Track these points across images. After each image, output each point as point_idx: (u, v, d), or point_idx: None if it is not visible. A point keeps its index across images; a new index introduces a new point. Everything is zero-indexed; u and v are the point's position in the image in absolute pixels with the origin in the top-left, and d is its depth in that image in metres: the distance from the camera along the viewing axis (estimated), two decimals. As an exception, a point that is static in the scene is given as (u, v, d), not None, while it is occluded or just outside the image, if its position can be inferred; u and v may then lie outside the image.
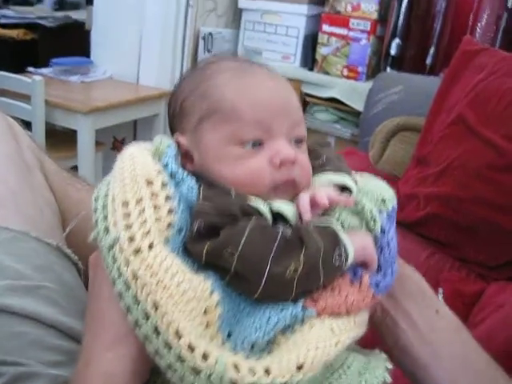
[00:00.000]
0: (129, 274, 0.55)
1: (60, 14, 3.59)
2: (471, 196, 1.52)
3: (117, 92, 2.84)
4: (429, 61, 2.67)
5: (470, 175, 1.54)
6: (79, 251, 0.85)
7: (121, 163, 0.63)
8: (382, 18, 2.72)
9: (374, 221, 0.66)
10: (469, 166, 1.55)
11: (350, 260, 0.61)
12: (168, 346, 0.53)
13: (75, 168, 2.53)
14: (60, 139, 2.65)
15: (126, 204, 0.58)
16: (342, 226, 0.65)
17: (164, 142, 0.66)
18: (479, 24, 2.53)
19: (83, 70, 2.94)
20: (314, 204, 0.63)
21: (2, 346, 0.68)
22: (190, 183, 0.61)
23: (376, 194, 0.69)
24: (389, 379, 0.64)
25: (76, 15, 3.56)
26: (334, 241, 0.60)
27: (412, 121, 2.01)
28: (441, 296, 1.28)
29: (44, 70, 2.87)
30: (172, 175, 0.62)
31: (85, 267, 0.83)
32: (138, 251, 0.55)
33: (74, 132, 2.54)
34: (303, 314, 0.59)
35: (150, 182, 0.60)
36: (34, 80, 2.40)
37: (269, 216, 0.62)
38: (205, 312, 0.55)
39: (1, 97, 2.54)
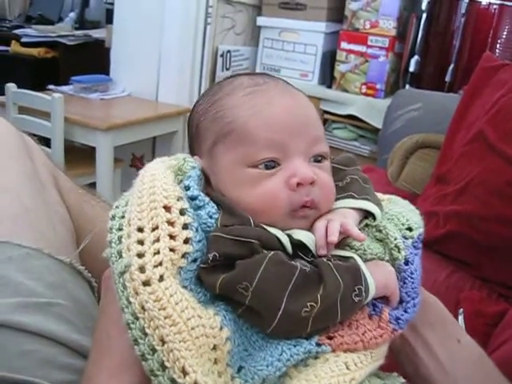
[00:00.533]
0: (137, 305, 0.53)
1: (80, 32, 3.64)
2: (492, 214, 1.49)
3: (136, 109, 2.86)
4: (448, 78, 2.66)
5: (491, 193, 1.51)
6: (93, 268, 0.84)
7: (141, 184, 0.61)
8: (401, 35, 2.72)
9: (398, 250, 0.64)
10: (489, 183, 1.53)
11: (371, 296, 0.59)
12: (174, 383, 0.52)
13: (93, 185, 2.55)
14: (79, 156, 2.67)
15: (141, 230, 0.57)
16: (365, 254, 0.63)
17: (188, 162, 0.64)
18: (499, 40, 2.51)
19: (102, 87, 2.98)
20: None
21: (13, 364, 0.67)
22: (210, 210, 0.60)
23: (402, 219, 0.67)
24: None
25: (96, 34, 3.61)
26: (355, 276, 0.58)
27: (431, 138, 1.99)
28: (461, 316, 1.25)
29: (64, 88, 2.90)
30: (193, 199, 0.60)
31: (98, 284, 0.82)
32: (147, 282, 0.54)
33: (93, 149, 2.56)
34: (317, 350, 0.57)
35: (167, 209, 0.58)
36: (54, 97, 2.42)
37: (289, 246, 0.60)
38: (214, 348, 0.54)
39: (22, 114, 2.57)
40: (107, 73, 3.10)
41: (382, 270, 0.61)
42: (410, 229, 0.66)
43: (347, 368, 0.57)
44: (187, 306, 0.54)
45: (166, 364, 0.52)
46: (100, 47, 3.33)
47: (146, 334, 0.53)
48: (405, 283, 0.63)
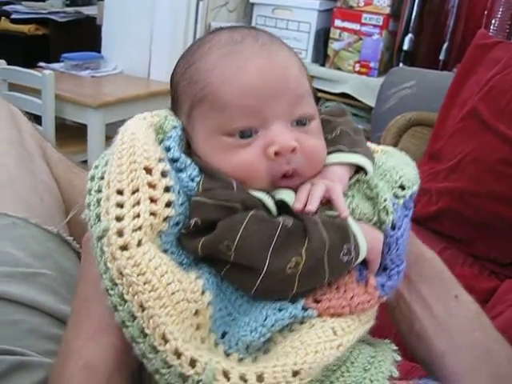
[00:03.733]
0: (115, 270, 0.51)
1: (71, 9, 3.59)
2: (484, 191, 1.49)
3: (127, 87, 2.84)
4: (442, 56, 2.64)
5: (483, 170, 1.50)
6: (81, 239, 0.83)
7: (120, 143, 0.58)
8: (395, 13, 2.70)
9: (387, 212, 0.61)
10: (482, 160, 1.52)
11: (362, 257, 0.57)
12: (154, 350, 0.51)
13: (85, 162, 2.53)
14: (70, 133, 2.65)
15: (120, 192, 0.55)
16: (353, 213, 0.60)
17: (170, 121, 0.61)
18: (493, 20, 2.49)
19: (94, 64, 2.95)
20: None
21: (-1, 333, 0.67)
22: (191, 172, 0.57)
23: (394, 176, 0.64)
24: (396, 373, 0.61)
25: (87, 11, 3.57)
26: (344, 234, 0.55)
27: (424, 116, 1.98)
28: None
29: (55, 65, 2.87)
30: (174, 161, 0.58)
31: (83, 254, 0.82)
32: (125, 247, 0.52)
33: (84, 126, 2.54)
34: (303, 314, 0.56)
35: (148, 171, 0.56)
36: (45, 74, 2.40)
37: (273, 207, 0.58)
38: (195, 313, 0.53)
39: (12, 91, 2.55)
40: (98, 50, 3.07)
41: (369, 232, 0.59)
42: (402, 187, 0.63)
43: (334, 333, 0.56)
44: (167, 271, 0.52)
45: (146, 331, 0.50)
46: (91, 24, 3.30)
47: (125, 301, 0.51)
48: (389, 249, 0.60)
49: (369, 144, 0.70)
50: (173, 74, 0.66)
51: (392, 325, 0.68)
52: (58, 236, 0.80)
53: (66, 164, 0.96)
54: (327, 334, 0.55)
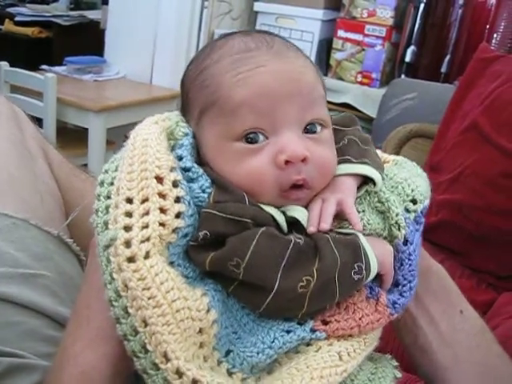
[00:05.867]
0: (120, 282, 0.50)
1: (75, 13, 3.60)
2: (484, 204, 1.49)
3: (129, 91, 2.85)
4: (444, 69, 2.65)
5: (483, 183, 1.51)
6: (82, 242, 0.83)
7: (132, 148, 0.57)
8: (398, 25, 2.70)
9: (399, 227, 0.59)
10: (482, 173, 1.52)
11: (372, 275, 0.56)
12: (156, 367, 0.49)
13: (85, 166, 2.53)
14: (71, 137, 2.65)
15: (130, 201, 0.53)
16: (364, 229, 0.58)
17: (181, 127, 0.59)
18: (495, 34, 2.50)
19: (96, 68, 2.95)
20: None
21: (-3, 334, 0.67)
22: (203, 183, 0.56)
23: (407, 189, 0.62)
24: None
25: (91, 15, 3.58)
26: (355, 252, 0.54)
27: (425, 128, 1.98)
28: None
29: (58, 68, 2.88)
30: (186, 170, 0.56)
31: (87, 258, 0.81)
32: (132, 259, 0.50)
33: (86, 130, 2.54)
34: (311, 337, 0.55)
35: (160, 180, 0.54)
36: (47, 77, 2.40)
37: (284, 224, 0.56)
38: (199, 331, 0.51)
39: (14, 93, 2.55)
40: (101, 54, 3.08)
41: (379, 246, 0.57)
42: (414, 201, 0.61)
43: (340, 358, 0.54)
44: (173, 287, 0.50)
45: (148, 347, 0.49)
46: (95, 28, 3.30)
47: (128, 314, 0.50)
48: (402, 265, 0.59)
49: (380, 153, 0.68)
50: (183, 79, 0.64)
51: (395, 337, 0.68)
52: (58, 238, 0.80)
53: (67, 166, 0.96)
54: (333, 358, 0.54)
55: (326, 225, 0.55)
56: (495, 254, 1.48)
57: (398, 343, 0.70)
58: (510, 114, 1.55)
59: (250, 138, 0.56)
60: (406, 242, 0.59)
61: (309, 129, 0.58)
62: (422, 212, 0.62)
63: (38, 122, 2.37)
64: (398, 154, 2.02)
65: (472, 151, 1.59)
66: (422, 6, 2.61)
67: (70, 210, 0.89)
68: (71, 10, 3.67)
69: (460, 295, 0.69)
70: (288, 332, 0.54)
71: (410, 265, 0.59)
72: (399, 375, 0.62)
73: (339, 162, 0.61)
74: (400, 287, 0.59)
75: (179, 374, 0.49)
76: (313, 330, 0.55)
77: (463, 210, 1.52)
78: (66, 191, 0.91)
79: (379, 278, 0.59)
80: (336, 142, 0.63)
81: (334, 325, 0.55)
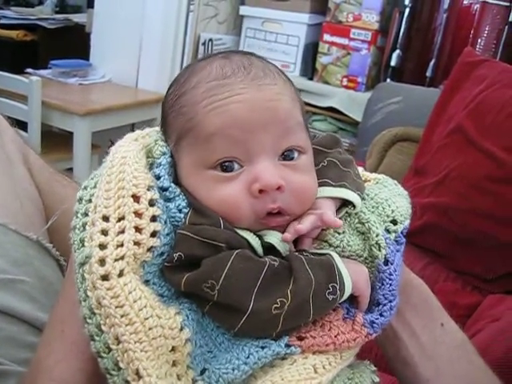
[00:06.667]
0: (94, 300, 0.51)
1: (60, 16, 3.57)
2: (469, 207, 1.50)
3: (115, 95, 2.83)
4: (429, 73, 2.66)
5: (468, 186, 1.51)
6: (62, 247, 0.82)
7: (110, 166, 0.57)
8: (383, 29, 2.71)
9: (379, 247, 0.60)
10: (467, 176, 1.53)
11: (347, 295, 0.56)
12: None
13: (70, 170, 2.51)
14: (56, 141, 2.63)
15: (106, 219, 0.54)
16: (343, 251, 0.59)
17: (159, 146, 0.60)
18: (480, 39, 2.52)
19: (82, 72, 2.93)
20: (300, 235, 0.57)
21: (-27, 341, 0.65)
22: (180, 203, 0.56)
23: (387, 210, 0.62)
24: None
25: (76, 18, 3.55)
26: (329, 273, 0.55)
27: (410, 131, 1.99)
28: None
29: (43, 72, 2.85)
30: (163, 189, 0.56)
31: (67, 263, 0.81)
32: (106, 277, 0.51)
33: (71, 134, 2.52)
34: (286, 352, 0.55)
35: (136, 199, 0.54)
36: (31, 80, 2.38)
37: (259, 248, 0.57)
38: (172, 350, 0.52)
39: (-2, 96, 2.53)
40: (87, 58, 3.06)
41: (354, 267, 0.58)
42: (394, 222, 0.62)
43: (315, 371, 0.55)
44: (146, 305, 0.51)
45: (121, 365, 0.49)
46: (80, 32, 3.27)
47: (101, 331, 0.50)
48: (382, 284, 0.59)
49: (361, 171, 0.69)
50: (163, 101, 0.64)
51: (373, 346, 0.68)
52: (37, 243, 0.79)
53: (48, 171, 0.95)
54: (308, 371, 0.54)
55: (304, 226, 0.56)
56: (480, 256, 1.49)
57: (376, 354, 0.70)
58: (494, 118, 1.56)
59: (224, 166, 0.57)
60: (386, 262, 0.60)
61: (286, 155, 0.58)
62: (402, 232, 0.63)
63: (23, 125, 2.37)
64: (383, 157, 2.02)
65: (457, 154, 1.60)
66: (407, 10, 2.63)
67: (51, 215, 0.88)
68: (56, 13, 3.64)
69: (441, 308, 0.69)
70: (263, 348, 0.54)
71: (391, 284, 0.60)
72: (377, 379, 0.62)
73: (318, 185, 0.61)
74: (380, 307, 0.60)
75: None
76: (288, 345, 0.55)
77: (448, 213, 1.53)
78: (47, 196, 0.90)
79: (355, 300, 0.59)
80: (316, 163, 0.63)
81: (309, 341, 0.56)
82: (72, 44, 3.21)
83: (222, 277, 0.51)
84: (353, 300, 0.59)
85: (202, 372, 0.53)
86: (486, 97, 1.63)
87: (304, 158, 0.60)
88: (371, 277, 0.60)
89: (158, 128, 0.64)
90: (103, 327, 0.50)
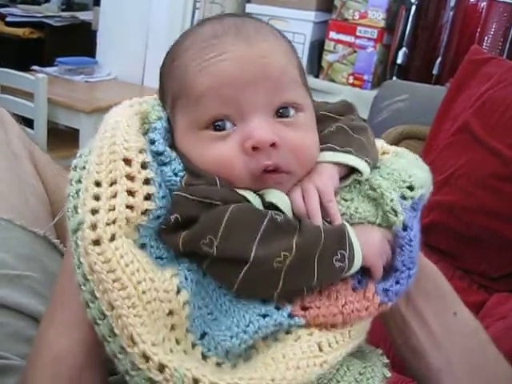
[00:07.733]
0: (87, 266, 0.50)
1: (67, 13, 3.58)
2: (475, 205, 1.49)
3: (121, 92, 2.83)
4: (435, 71, 2.65)
5: (475, 184, 1.51)
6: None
7: (103, 131, 0.56)
8: (390, 27, 2.71)
9: (396, 213, 0.56)
10: (473, 174, 1.52)
11: (355, 268, 0.54)
12: (124, 351, 0.49)
13: (76, 168, 2.51)
14: (62, 138, 2.64)
15: (98, 184, 0.53)
16: (351, 218, 0.57)
17: (155, 111, 0.59)
18: (486, 36, 2.51)
19: (88, 70, 2.94)
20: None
21: (-21, 336, 0.66)
22: (176, 166, 0.55)
23: (403, 175, 0.59)
24: None
25: (83, 16, 3.56)
26: (340, 240, 0.52)
27: (416, 129, 1.98)
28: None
29: (49, 69, 2.87)
30: (158, 154, 0.56)
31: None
32: (97, 242, 0.50)
33: (77, 131, 2.53)
34: (289, 322, 0.52)
35: (128, 162, 0.53)
36: (38, 78, 2.39)
37: (260, 205, 0.55)
38: (169, 313, 0.50)
39: (4, 93, 2.53)
40: (93, 55, 3.07)
41: (366, 235, 0.55)
42: (411, 187, 0.58)
43: (320, 349, 0.52)
44: (138, 268, 0.50)
45: (115, 331, 0.49)
46: (86, 29, 3.29)
47: (95, 298, 0.50)
48: (402, 250, 0.56)
49: (380, 143, 0.66)
50: (162, 66, 0.63)
51: (386, 337, 0.66)
52: (44, 238, 0.79)
53: (53, 167, 0.95)
54: (312, 349, 0.52)
55: (319, 219, 0.54)
56: (487, 255, 1.48)
57: (390, 343, 0.69)
58: (501, 116, 1.55)
59: (217, 125, 0.56)
60: (405, 228, 0.57)
61: (281, 113, 0.57)
62: (419, 199, 0.59)
63: (29, 122, 2.37)
64: (389, 155, 2.02)
65: (463, 152, 1.59)
66: (413, 8, 2.62)
67: (57, 211, 0.88)
68: (63, 10, 3.65)
69: (454, 296, 0.67)
70: (264, 316, 0.52)
71: (411, 251, 0.56)
72: (389, 375, 0.60)
73: (322, 150, 0.59)
74: (398, 273, 0.57)
75: (146, 357, 0.48)
76: (291, 316, 0.53)
77: (455, 212, 1.52)
78: (52, 191, 0.90)
79: (368, 270, 0.56)
80: (323, 129, 0.61)
81: (313, 311, 0.53)
82: (78, 41, 3.22)
83: (221, 230, 0.50)
84: (365, 270, 0.56)
85: (202, 336, 0.52)
86: (492, 95, 1.62)
87: (302, 116, 0.58)
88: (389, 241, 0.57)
89: (155, 97, 0.63)
90: (96, 293, 0.49)
